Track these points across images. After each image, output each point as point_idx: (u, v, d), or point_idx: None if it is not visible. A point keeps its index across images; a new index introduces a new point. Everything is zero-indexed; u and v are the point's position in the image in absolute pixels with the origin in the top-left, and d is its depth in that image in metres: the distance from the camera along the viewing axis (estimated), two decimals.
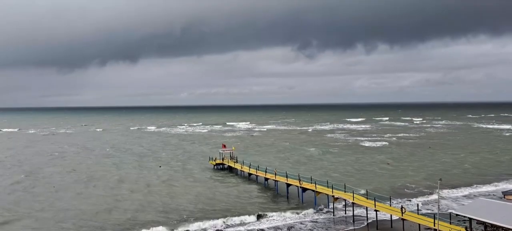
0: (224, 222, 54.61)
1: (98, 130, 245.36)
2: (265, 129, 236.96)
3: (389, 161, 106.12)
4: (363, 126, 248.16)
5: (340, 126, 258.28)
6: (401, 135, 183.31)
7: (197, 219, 55.58)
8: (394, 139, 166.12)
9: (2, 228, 53.05)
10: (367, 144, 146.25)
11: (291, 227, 52.88)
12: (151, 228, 51.94)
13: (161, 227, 52.53)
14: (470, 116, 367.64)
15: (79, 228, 52.70)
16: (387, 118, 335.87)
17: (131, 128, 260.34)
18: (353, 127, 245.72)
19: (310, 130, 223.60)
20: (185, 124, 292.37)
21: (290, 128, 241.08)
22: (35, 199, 68.82)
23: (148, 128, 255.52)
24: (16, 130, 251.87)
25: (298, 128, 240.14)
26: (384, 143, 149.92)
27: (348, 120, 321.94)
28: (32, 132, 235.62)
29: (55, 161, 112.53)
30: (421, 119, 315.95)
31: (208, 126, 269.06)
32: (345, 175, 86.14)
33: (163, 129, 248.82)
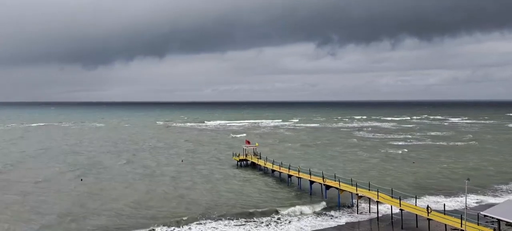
0: (244, 219, 54.83)
1: (126, 125, 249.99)
2: (288, 126, 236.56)
3: (414, 159, 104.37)
4: (389, 124, 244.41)
5: (365, 123, 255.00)
6: (429, 133, 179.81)
7: (218, 214, 56.17)
8: (422, 137, 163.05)
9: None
10: (393, 142, 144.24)
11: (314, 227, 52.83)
12: (170, 220, 52.88)
13: (182, 218, 53.39)
14: (503, 114, 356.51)
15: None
16: (414, 117, 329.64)
17: (157, 122, 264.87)
18: (379, 124, 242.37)
19: (333, 127, 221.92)
20: (209, 120, 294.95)
21: (313, 125, 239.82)
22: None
23: (174, 124, 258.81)
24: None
25: (321, 125, 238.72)
26: (411, 141, 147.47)
27: (374, 117, 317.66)
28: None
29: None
30: (449, 117, 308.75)
31: (231, 122, 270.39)
32: (370, 173, 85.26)
33: (189, 124, 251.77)
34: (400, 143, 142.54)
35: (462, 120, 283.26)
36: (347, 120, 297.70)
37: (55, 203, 63.14)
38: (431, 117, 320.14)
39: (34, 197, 66.88)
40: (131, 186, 74.84)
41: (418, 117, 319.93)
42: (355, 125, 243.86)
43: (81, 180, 79.59)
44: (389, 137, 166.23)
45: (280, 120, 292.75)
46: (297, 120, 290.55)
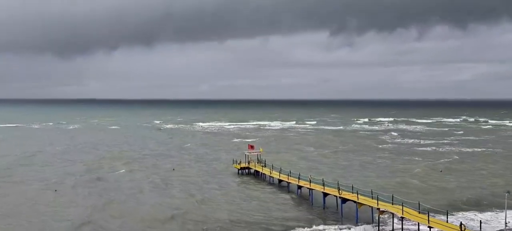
0: None
1: (111, 127, 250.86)
2: (298, 128, 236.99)
3: (445, 168, 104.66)
4: (417, 127, 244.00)
5: (388, 126, 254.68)
6: (463, 138, 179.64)
7: None
8: (454, 142, 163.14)
9: None
10: (421, 148, 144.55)
11: None
12: None
13: None
14: None
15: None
16: (446, 118, 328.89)
17: (145, 124, 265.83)
18: (404, 127, 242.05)
19: (350, 130, 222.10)
20: (205, 121, 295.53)
21: (328, 128, 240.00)
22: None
23: (165, 125, 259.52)
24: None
25: (336, 128, 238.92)
26: (442, 147, 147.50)
27: (397, 119, 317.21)
28: (37, 126, 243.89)
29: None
30: (488, 119, 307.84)
31: (232, 123, 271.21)
32: (393, 184, 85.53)
33: (180, 126, 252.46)
34: (428, 149, 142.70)
35: (502, 122, 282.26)
36: (366, 121, 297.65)
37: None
38: (469, 119, 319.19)
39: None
40: (112, 202, 74.50)
41: (451, 119, 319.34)
42: (376, 127, 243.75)
43: (55, 190, 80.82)
44: (416, 142, 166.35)
45: (288, 122, 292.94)
46: (308, 122, 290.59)
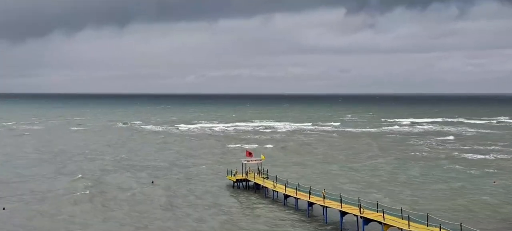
0: None
1: (74, 128, 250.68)
2: (308, 130, 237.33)
3: (495, 178, 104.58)
4: (459, 128, 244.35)
5: (423, 127, 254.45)
6: None
7: None
8: (508, 147, 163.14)
9: None
10: (465, 155, 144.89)
11: None
12: None
13: None
14: None
15: None
16: (498, 118, 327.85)
17: (118, 125, 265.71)
18: (444, 128, 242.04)
19: (376, 133, 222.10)
20: (192, 121, 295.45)
21: (347, 130, 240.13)
22: None
23: (143, 126, 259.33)
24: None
25: (358, 130, 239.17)
26: (493, 154, 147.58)
27: (436, 119, 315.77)
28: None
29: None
30: None
31: (226, 125, 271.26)
32: (429, 199, 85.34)
33: (161, 127, 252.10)
34: (476, 156, 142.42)
35: None
36: (395, 121, 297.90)
37: None
38: None
39: None
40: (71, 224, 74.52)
41: (504, 117, 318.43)
42: (407, 129, 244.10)
43: (4, 208, 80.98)
44: (459, 146, 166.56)
45: (297, 122, 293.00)
46: (322, 122, 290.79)
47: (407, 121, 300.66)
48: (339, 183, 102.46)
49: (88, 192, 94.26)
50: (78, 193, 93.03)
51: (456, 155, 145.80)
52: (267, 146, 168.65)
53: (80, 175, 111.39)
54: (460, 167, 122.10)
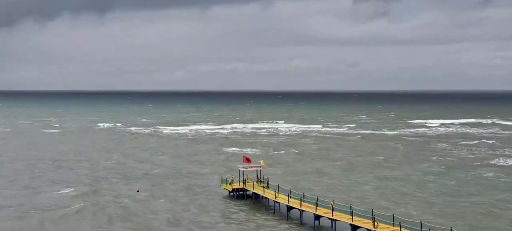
0: None
1: (48, 130, 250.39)
2: (314, 133, 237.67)
3: None
4: (490, 130, 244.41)
5: (449, 129, 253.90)
6: None
7: None
8: None
9: None
10: (497, 161, 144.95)
11: None
12: None
13: None
14: None
15: None
16: None
17: (98, 126, 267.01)
18: (472, 131, 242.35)
19: (391, 136, 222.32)
20: (181, 122, 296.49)
21: (357, 132, 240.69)
22: None
23: (124, 129, 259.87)
24: None
25: (371, 132, 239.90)
26: None
27: (468, 120, 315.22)
28: None
29: None
30: None
31: (221, 126, 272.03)
32: (459, 212, 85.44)
33: (146, 129, 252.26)
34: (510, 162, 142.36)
35: None
36: (414, 122, 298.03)
37: None
38: None
39: None
40: None
41: None
42: (427, 131, 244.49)
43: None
44: (490, 151, 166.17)
45: (301, 123, 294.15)
46: (334, 124, 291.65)
47: (435, 122, 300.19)
48: (366, 194, 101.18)
49: (77, 205, 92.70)
50: (66, 208, 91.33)
51: (497, 161, 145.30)
52: (275, 151, 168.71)
53: (66, 186, 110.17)
54: (503, 176, 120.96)
